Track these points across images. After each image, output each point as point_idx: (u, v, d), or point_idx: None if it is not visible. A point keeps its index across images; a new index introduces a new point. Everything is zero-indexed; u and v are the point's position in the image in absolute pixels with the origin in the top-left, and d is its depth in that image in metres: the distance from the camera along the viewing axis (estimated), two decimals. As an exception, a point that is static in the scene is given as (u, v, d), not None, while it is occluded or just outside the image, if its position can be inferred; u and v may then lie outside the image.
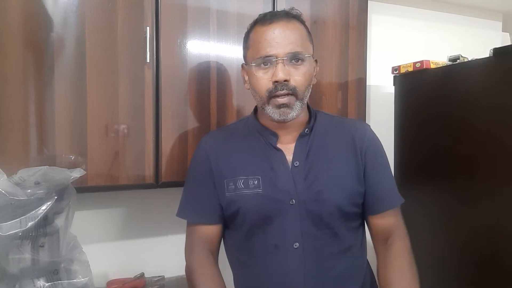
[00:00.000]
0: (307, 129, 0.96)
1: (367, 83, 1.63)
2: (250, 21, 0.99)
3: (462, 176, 1.40)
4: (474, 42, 2.20)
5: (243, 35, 1.01)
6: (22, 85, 1.12)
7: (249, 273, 0.97)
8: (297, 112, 0.90)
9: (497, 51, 1.28)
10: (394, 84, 1.76)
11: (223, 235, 1.03)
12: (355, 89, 1.58)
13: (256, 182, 0.93)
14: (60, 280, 1.02)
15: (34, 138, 1.14)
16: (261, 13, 0.98)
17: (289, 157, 0.94)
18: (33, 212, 0.96)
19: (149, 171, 1.28)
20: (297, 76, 0.88)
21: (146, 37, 1.25)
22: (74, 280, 1.04)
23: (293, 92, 0.88)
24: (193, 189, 1.01)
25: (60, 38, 1.16)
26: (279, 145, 0.96)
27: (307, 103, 0.98)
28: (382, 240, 0.98)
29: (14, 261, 0.96)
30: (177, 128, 1.31)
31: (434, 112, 1.52)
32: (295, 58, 0.88)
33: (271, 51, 0.87)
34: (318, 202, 0.91)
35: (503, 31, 2.39)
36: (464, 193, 1.39)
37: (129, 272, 1.50)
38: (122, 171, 1.24)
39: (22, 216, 0.95)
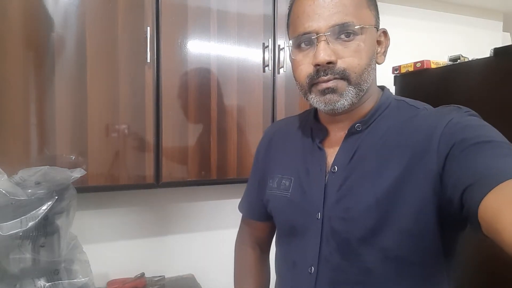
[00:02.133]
0: (358, 124, 0.72)
1: (368, 83, 1.63)
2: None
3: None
4: (475, 42, 2.20)
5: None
6: (23, 85, 1.12)
7: (277, 283, 0.89)
8: (350, 100, 0.68)
9: (497, 51, 1.28)
10: (394, 84, 1.76)
11: None
12: (356, 89, 1.58)
13: (287, 183, 0.79)
14: (60, 280, 1.02)
15: (34, 138, 1.14)
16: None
17: (331, 160, 0.74)
18: (34, 212, 0.96)
19: (149, 171, 1.28)
20: (347, 55, 0.66)
21: (146, 37, 1.25)
22: (75, 280, 1.04)
23: (342, 76, 0.66)
24: (249, 183, 0.97)
25: (60, 38, 1.16)
26: (325, 144, 0.76)
27: (382, 88, 0.77)
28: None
29: (14, 261, 0.96)
30: (177, 128, 1.31)
31: (435, 112, 1.52)
32: (343, 32, 0.66)
33: (310, 26, 0.66)
34: (346, 221, 0.68)
35: (503, 31, 2.38)
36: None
37: (130, 272, 1.50)
38: (123, 171, 1.24)
39: (23, 216, 0.95)
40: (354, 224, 0.67)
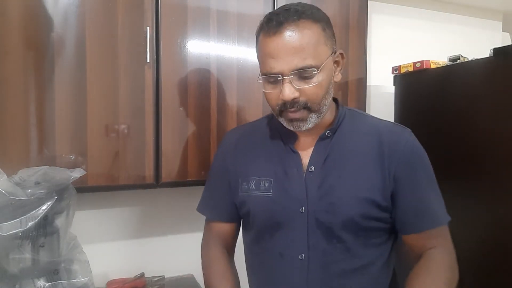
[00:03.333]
0: (328, 131, 0.87)
1: (367, 83, 1.63)
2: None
3: (462, 176, 1.40)
4: (474, 42, 2.20)
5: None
6: (22, 85, 1.12)
7: (256, 278, 0.95)
8: (312, 123, 0.82)
9: (497, 51, 1.28)
10: (394, 84, 1.76)
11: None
12: (355, 89, 1.58)
13: (267, 184, 0.88)
14: (60, 280, 1.02)
15: (34, 138, 1.14)
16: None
17: (306, 161, 0.87)
18: (33, 212, 0.96)
19: (149, 171, 1.28)
20: (309, 91, 0.78)
21: (146, 37, 1.25)
22: (74, 280, 1.04)
23: (304, 107, 0.79)
24: (211, 185, 1.01)
25: (60, 38, 1.16)
26: (297, 147, 0.89)
27: (337, 100, 0.92)
28: (417, 257, 0.86)
29: (14, 261, 0.96)
30: (177, 128, 1.31)
31: (434, 112, 1.52)
32: (304, 73, 0.77)
33: (275, 68, 0.77)
34: (329, 213, 0.83)
35: (503, 31, 2.38)
36: (464, 193, 1.39)
37: (129, 272, 1.50)
38: (122, 171, 1.24)
39: (22, 216, 0.95)
40: (336, 215, 0.83)
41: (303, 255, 0.83)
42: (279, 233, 0.86)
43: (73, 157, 1.18)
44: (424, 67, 1.56)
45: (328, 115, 0.87)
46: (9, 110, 1.11)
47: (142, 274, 1.50)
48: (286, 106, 0.80)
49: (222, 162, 0.98)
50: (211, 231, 1.01)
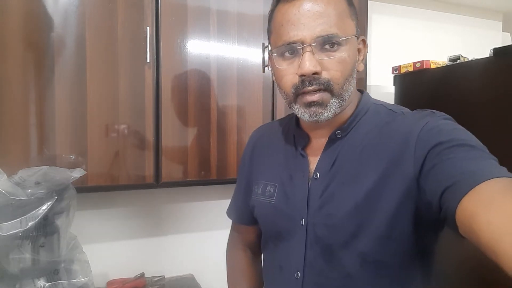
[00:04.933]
0: (338, 131, 0.74)
1: (367, 83, 1.63)
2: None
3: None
4: (474, 42, 2.20)
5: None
6: (23, 85, 1.12)
7: (265, 284, 0.90)
8: (333, 112, 0.69)
9: (497, 51, 1.28)
10: (394, 84, 1.76)
11: None
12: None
13: (272, 190, 0.80)
14: (60, 280, 1.02)
15: (34, 138, 1.14)
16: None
17: (314, 166, 0.75)
18: (34, 212, 0.96)
19: (149, 171, 1.28)
20: (332, 67, 0.67)
21: (146, 37, 1.25)
22: (75, 280, 1.04)
23: (326, 87, 0.67)
24: (236, 188, 0.99)
25: (60, 38, 1.16)
26: (308, 150, 0.78)
27: (361, 91, 0.79)
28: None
29: (14, 261, 0.96)
30: (177, 128, 1.31)
31: (434, 112, 1.52)
32: (328, 43, 0.66)
33: (296, 35, 0.66)
34: (328, 227, 0.70)
35: (503, 31, 2.39)
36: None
37: (129, 272, 1.50)
38: (122, 171, 1.24)
39: (23, 216, 0.95)
40: (335, 230, 0.69)
41: (299, 273, 0.73)
42: (281, 244, 0.78)
43: (73, 157, 1.18)
44: (424, 67, 1.56)
45: (349, 110, 0.74)
46: (9, 110, 1.11)
47: (142, 274, 1.50)
48: (304, 85, 0.67)
49: (242, 164, 0.95)
50: (236, 233, 1.00)
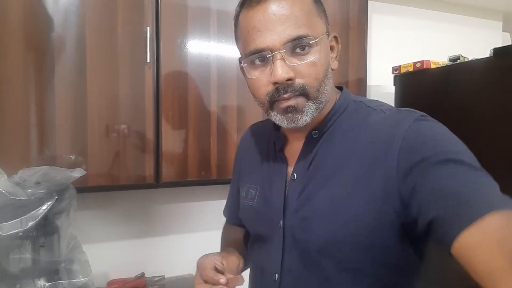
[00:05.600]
0: (315, 131, 0.72)
1: (367, 83, 1.63)
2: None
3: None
4: (474, 42, 2.20)
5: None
6: (23, 85, 1.12)
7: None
8: (311, 116, 0.67)
9: (497, 51, 1.28)
10: (394, 84, 1.76)
11: None
12: (355, 89, 1.58)
13: (253, 192, 0.80)
14: (60, 280, 1.02)
15: (34, 138, 1.14)
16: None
17: (292, 167, 0.74)
18: (34, 212, 0.96)
19: (149, 171, 1.28)
20: (305, 71, 0.64)
21: (146, 37, 1.25)
22: (75, 280, 1.05)
23: (301, 92, 0.65)
24: (230, 188, 0.99)
25: (60, 38, 1.16)
26: (288, 152, 0.77)
27: (342, 89, 0.77)
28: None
29: (14, 261, 0.97)
30: (177, 128, 1.31)
31: (434, 112, 1.51)
32: (298, 46, 0.63)
33: (263, 42, 0.63)
34: (304, 230, 0.68)
35: (503, 31, 2.38)
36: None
37: (130, 272, 1.50)
38: (123, 171, 1.24)
39: (23, 216, 0.95)
40: (312, 235, 0.67)
41: (276, 275, 0.71)
42: (264, 246, 0.76)
43: (74, 157, 1.18)
44: (424, 67, 1.56)
45: (326, 109, 0.72)
46: (9, 110, 1.11)
47: (142, 274, 1.50)
48: (278, 92, 0.65)
49: (235, 165, 0.96)
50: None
